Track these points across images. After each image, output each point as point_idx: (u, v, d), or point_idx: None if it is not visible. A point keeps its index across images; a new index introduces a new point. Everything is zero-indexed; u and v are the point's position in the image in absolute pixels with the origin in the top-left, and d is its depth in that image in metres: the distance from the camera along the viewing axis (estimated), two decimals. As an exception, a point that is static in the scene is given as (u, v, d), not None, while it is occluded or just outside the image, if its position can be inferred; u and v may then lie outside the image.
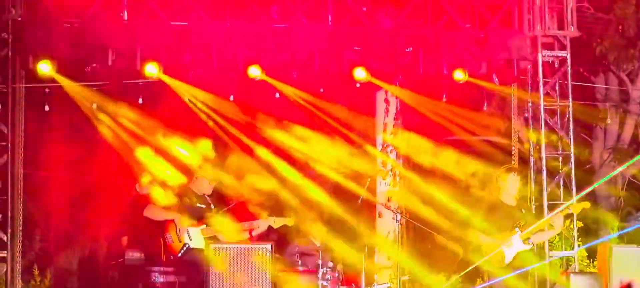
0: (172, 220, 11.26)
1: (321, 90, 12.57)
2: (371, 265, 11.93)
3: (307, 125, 12.73)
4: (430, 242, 12.26)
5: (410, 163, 13.21)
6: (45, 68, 11.41)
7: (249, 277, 10.67)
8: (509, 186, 10.51)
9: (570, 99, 12.51)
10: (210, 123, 12.31)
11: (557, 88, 12.56)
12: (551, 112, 12.54)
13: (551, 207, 11.92)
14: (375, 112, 13.54)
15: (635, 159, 13.27)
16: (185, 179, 11.56)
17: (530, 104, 12.61)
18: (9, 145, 11.54)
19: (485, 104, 13.10)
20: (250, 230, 11.44)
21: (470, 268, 10.26)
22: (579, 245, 12.48)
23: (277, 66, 11.97)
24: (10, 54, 11.53)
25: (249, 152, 12.50)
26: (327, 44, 11.98)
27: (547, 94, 12.52)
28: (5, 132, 11.57)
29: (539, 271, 11.33)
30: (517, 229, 10.29)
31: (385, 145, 13.35)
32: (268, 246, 10.77)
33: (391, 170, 13.23)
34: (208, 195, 11.54)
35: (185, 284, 11.29)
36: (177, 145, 11.93)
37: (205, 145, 11.60)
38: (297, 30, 11.92)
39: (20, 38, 11.47)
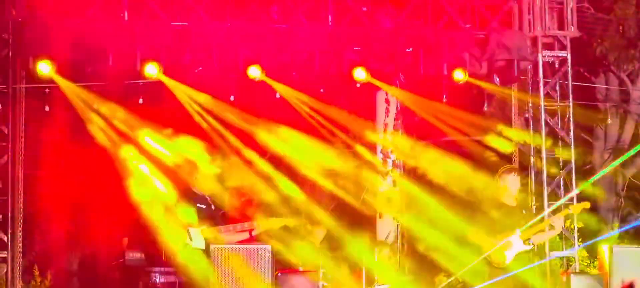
0: None
1: (321, 90, 12.56)
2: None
3: (306, 128, 12.68)
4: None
5: (406, 169, 13.22)
6: (45, 68, 11.40)
7: (249, 277, 10.67)
8: (510, 186, 10.51)
9: (571, 100, 12.51)
10: (204, 124, 12.25)
11: (557, 88, 12.56)
12: (551, 113, 12.53)
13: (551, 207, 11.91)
14: (375, 113, 13.53)
15: (630, 153, 13.19)
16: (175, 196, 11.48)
17: (530, 104, 12.61)
18: (9, 145, 11.55)
19: (486, 104, 13.10)
20: (250, 231, 11.43)
21: (469, 268, 10.26)
22: (579, 245, 12.47)
23: (277, 66, 11.97)
24: (10, 54, 11.54)
25: (247, 161, 12.46)
26: (327, 44, 11.98)
27: (547, 95, 12.51)
28: (6, 132, 11.58)
29: (539, 271, 11.30)
30: (517, 229, 10.28)
31: (383, 148, 13.35)
32: (268, 246, 10.77)
33: (389, 172, 13.22)
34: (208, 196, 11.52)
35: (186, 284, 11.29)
36: (159, 144, 11.87)
37: (195, 146, 11.54)
38: (297, 31, 11.92)
39: (21, 38, 11.47)
